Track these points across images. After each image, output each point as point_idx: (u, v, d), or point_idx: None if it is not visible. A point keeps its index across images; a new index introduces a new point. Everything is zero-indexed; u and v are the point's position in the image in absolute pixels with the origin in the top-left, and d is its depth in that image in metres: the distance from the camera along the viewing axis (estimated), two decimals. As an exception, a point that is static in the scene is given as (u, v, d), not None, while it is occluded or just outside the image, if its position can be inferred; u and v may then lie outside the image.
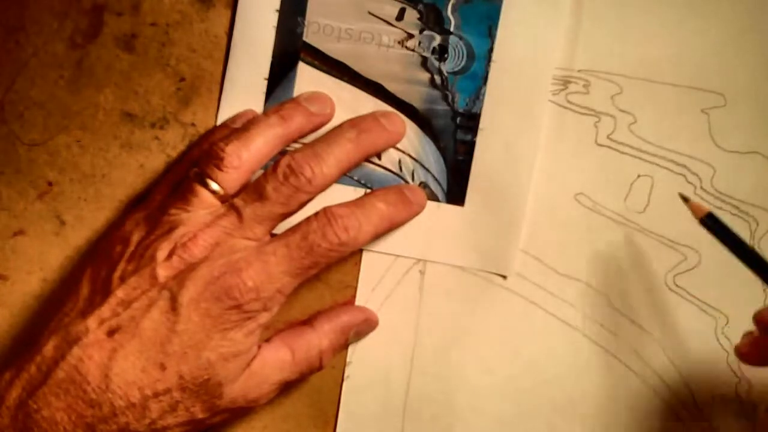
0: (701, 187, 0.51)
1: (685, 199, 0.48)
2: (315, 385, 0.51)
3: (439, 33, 0.51)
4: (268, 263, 0.45)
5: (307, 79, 0.51)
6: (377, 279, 0.51)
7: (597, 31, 0.50)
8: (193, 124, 0.52)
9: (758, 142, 0.51)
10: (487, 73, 0.50)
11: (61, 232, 0.52)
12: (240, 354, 0.46)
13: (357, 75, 0.51)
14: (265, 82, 0.51)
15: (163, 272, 0.45)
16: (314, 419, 0.51)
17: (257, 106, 0.51)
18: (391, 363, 0.51)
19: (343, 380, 0.51)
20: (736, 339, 0.50)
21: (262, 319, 0.46)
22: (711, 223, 0.46)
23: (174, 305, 0.45)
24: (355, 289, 0.52)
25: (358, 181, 0.51)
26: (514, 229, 0.50)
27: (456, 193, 0.51)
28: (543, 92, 0.50)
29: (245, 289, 0.45)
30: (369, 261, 0.51)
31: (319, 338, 0.49)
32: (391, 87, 0.51)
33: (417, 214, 0.51)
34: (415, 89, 0.51)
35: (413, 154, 0.51)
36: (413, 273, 0.51)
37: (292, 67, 0.51)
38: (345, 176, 0.50)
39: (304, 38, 0.51)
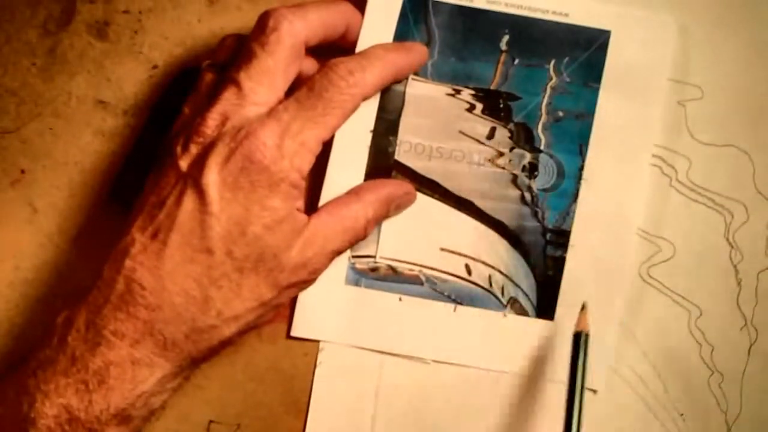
0: (677, 179, 0.51)
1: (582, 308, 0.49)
2: (287, 372, 0.51)
3: (530, 151, 0.51)
4: (282, 120, 0.46)
5: None
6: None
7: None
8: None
9: (734, 135, 0.51)
10: (577, 190, 0.51)
11: (34, 219, 0.52)
12: (283, 220, 0.45)
13: (447, 192, 0.51)
14: None
15: (183, 163, 0.45)
16: (287, 406, 0.51)
17: None
18: (363, 350, 0.51)
19: (315, 367, 0.51)
20: (710, 331, 0.50)
21: (293, 177, 0.46)
22: (576, 339, 0.48)
23: (201, 189, 0.45)
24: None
25: (448, 297, 0.51)
26: (604, 344, 0.50)
27: (546, 308, 0.51)
28: (634, 212, 0.50)
29: (266, 148, 0.45)
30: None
31: (364, 208, 0.49)
32: (482, 204, 0.51)
33: (419, 61, 0.51)
34: (505, 206, 0.51)
35: (503, 270, 0.51)
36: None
37: None
38: (435, 291, 0.51)
39: (396, 157, 0.51)
